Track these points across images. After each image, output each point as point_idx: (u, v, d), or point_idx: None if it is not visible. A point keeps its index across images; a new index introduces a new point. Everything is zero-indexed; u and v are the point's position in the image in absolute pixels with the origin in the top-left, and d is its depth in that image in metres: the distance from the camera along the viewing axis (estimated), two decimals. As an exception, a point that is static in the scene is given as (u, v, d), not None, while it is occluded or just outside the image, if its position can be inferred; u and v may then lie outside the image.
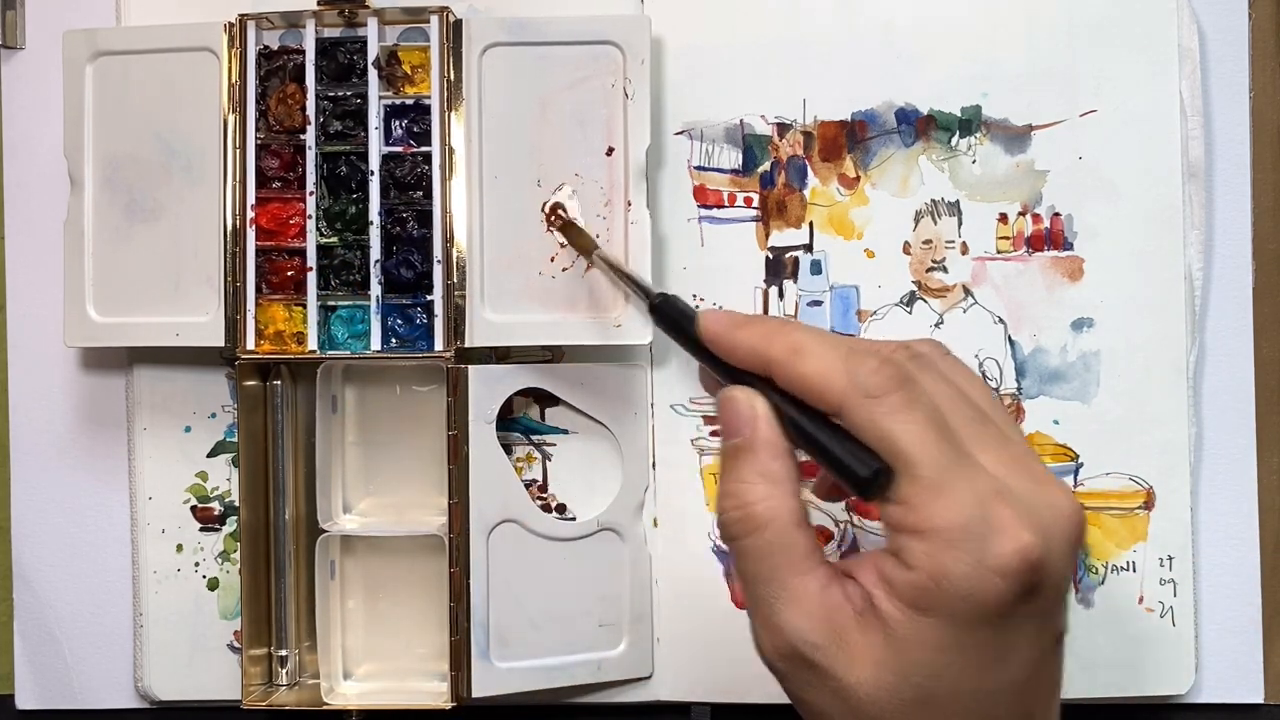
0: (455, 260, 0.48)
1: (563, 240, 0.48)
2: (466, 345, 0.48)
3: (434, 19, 0.48)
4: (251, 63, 0.49)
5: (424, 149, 0.49)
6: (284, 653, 0.50)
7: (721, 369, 0.36)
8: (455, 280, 0.48)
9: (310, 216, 0.48)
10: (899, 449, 0.32)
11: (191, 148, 0.49)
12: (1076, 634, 0.50)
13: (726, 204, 0.51)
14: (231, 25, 0.49)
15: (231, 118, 0.49)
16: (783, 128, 0.51)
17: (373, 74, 0.49)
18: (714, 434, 0.51)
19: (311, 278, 0.48)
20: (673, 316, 0.38)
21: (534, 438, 0.51)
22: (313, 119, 0.49)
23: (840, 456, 0.33)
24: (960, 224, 0.51)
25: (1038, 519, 0.32)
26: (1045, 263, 0.51)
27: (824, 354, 0.34)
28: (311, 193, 0.49)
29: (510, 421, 0.51)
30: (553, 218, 0.48)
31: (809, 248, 0.51)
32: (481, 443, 0.49)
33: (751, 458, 0.34)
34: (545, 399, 0.51)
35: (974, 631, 0.32)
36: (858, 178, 0.51)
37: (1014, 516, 0.31)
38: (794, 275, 0.51)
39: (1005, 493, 0.32)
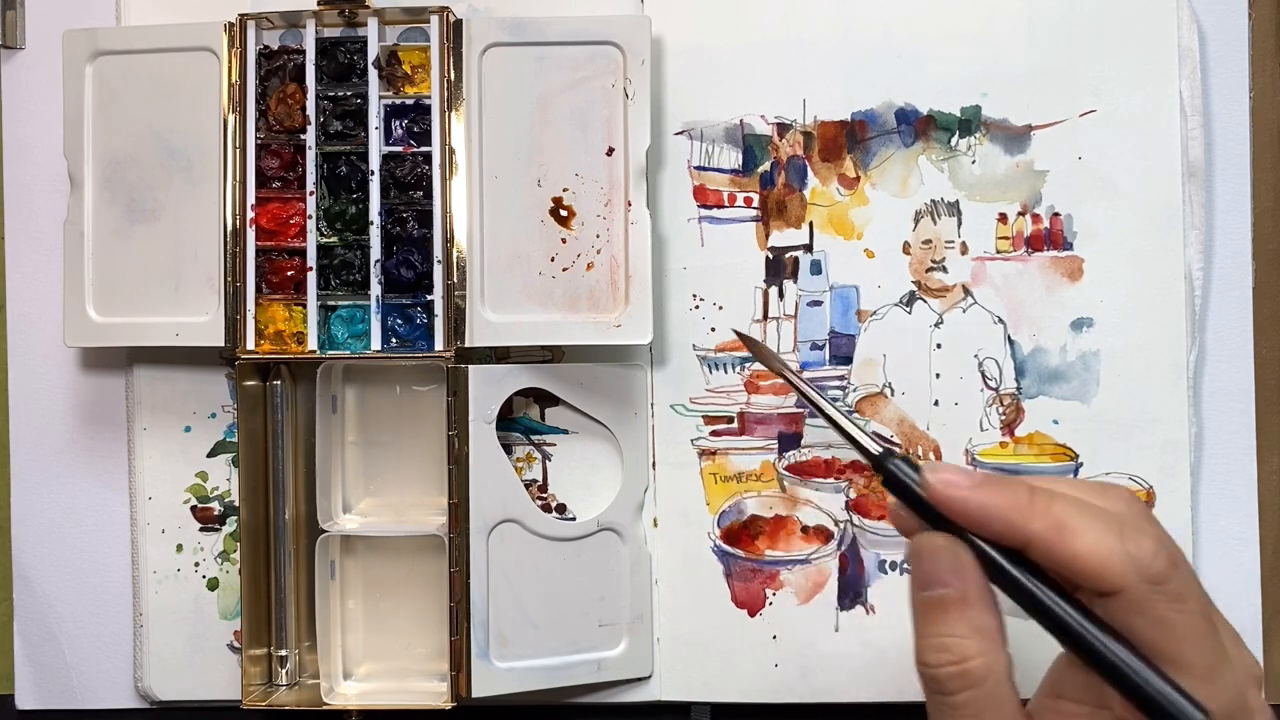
0: (455, 260, 0.48)
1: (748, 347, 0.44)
2: (466, 345, 0.48)
3: (434, 19, 0.48)
4: (251, 63, 0.49)
5: (424, 149, 0.49)
6: (284, 653, 0.50)
7: (932, 519, 0.34)
8: (455, 280, 0.48)
9: (310, 216, 0.49)
10: (1176, 639, 0.32)
11: (191, 148, 0.49)
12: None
13: (726, 204, 0.51)
14: (231, 25, 0.49)
15: (231, 118, 0.49)
16: (783, 128, 0.51)
17: (373, 74, 0.49)
18: (714, 434, 0.51)
19: (311, 278, 0.48)
20: (898, 482, 0.35)
21: (534, 438, 0.51)
22: (313, 119, 0.49)
23: (1156, 696, 0.32)
24: (960, 224, 0.51)
25: (1261, 694, 0.34)
26: (1045, 263, 0.51)
27: (1098, 532, 0.32)
28: (311, 193, 0.49)
29: (510, 421, 0.51)
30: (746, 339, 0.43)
31: (809, 248, 0.51)
32: (481, 443, 0.49)
33: (964, 611, 0.34)
34: (545, 399, 0.51)
35: None
36: (858, 178, 0.51)
37: (1261, 699, 0.34)
38: (794, 275, 0.51)
39: (1258, 677, 0.34)
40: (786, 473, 0.51)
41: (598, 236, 0.48)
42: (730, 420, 0.51)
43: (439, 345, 0.48)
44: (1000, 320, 0.51)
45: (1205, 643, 0.32)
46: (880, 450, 0.35)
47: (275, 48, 0.49)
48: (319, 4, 0.49)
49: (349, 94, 0.49)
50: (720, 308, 0.51)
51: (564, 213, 0.48)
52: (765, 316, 0.51)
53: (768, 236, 0.51)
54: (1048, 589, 0.33)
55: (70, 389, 0.53)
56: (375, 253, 0.48)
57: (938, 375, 0.51)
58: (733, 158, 0.51)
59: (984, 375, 0.51)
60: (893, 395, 0.51)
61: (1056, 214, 0.51)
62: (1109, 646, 0.32)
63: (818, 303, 0.51)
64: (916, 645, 0.34)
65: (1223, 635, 0.33)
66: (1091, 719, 0.34)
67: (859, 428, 0.36)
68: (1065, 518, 0.33)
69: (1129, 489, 0.36)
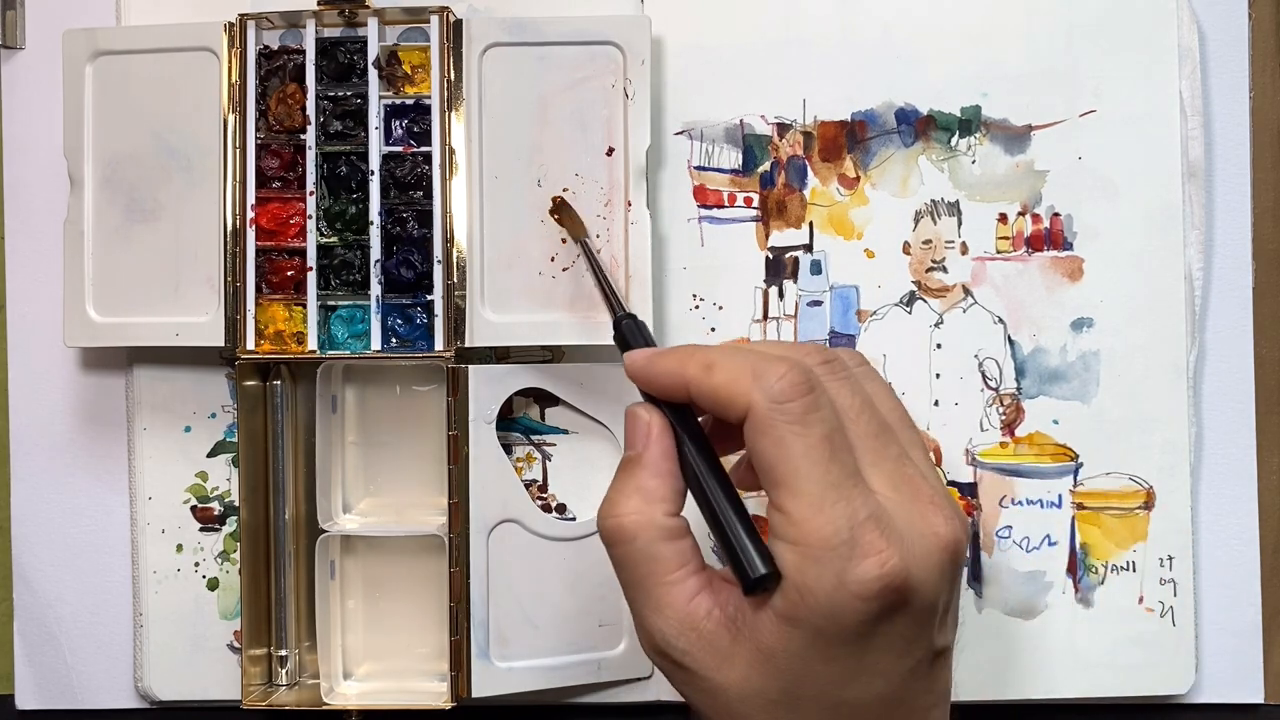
0: (455, 260, 0.48)
1: (558, 218, 0.48)
2: (466, 345, 0.48)
3: (434, 19, 0.48)
4: (251, 63, 0.49)
5: (424, 149, 0.49)
6: (284, 653, 0.50)
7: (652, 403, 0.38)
8: (455, 280, 0.48)
9: (310, 216, 0.48)
10: (790, 459, 0.33)
11: (191, 148, 0.49)
12: (1076, 634, 0.50)
13: (726, 204, 0.51)
14: (231, 25, 0.49)
15: (231, 118, 0.49)
16: (783, 128, 0.51)
17: (373, 74, 0.49)
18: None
19: (311, 278, 0.48)
20: (622, 340, 0.41)
21: (534, 438, 0.51)
22: (313, 119, 0.49)
23: (742, 542, 0.35)
24: (960, 224, 0.51)
25: (907, 544, 0.33)
26: (1045, 263, 0.51)
27: (734, 364, 0.35)
28: (311, 193, 0.49)
29: (510, 421, 0.51)
30: (555, 200, 0.48)
31: (809, 248, 0.51)
32: (481, 443, 0.49)
33: (635, 472, 0.37)
34: (545, 399, 0.51)
35: (835, 646, 0.33)
36: (858, 178, 0.51)
37: (881, 540, 0.33)
38: (794, 275, 0.51)
39: (879, 516, 0.33)
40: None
41: (598, 236, 0.48)
42: (730, 420, 0.51)
43: (439, 345, 0.48)
44: (1000, 320, 0.51)
45: (819, 469, 0.33)
46: (622, 314, 0.42)
47: (275, 48, 0.49)
48: (319, 4, 0.49)
49: (349, 94, 0.49)
50: (720, 308, 0.51)
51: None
52: (765, 316, 0.51)
53: (768, 236, 0.51)
54: (692, 442, 0.37)
55: (70, 389, 0.53)
56: (375, 253, 0.48)
57: (938, 375, 0.51)
58: (733, 158, 0.51)
59: (984, 375, 0.51)
60: (893, 395, 0.51)
61: (1056, 214, 0.51)
62: (711, 490, 0.36)
63: (818, 303, 0.51)
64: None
65: (874, 476, 0.34)
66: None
67: (612, 290, 0.44)
68: (711, 358, 0.36)
69: (853, 350, 0.38)
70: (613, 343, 0.44)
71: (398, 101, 0.49)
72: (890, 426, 0.36)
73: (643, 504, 0.36)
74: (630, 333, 0.41)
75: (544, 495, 0.51)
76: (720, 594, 0.36)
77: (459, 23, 0.49)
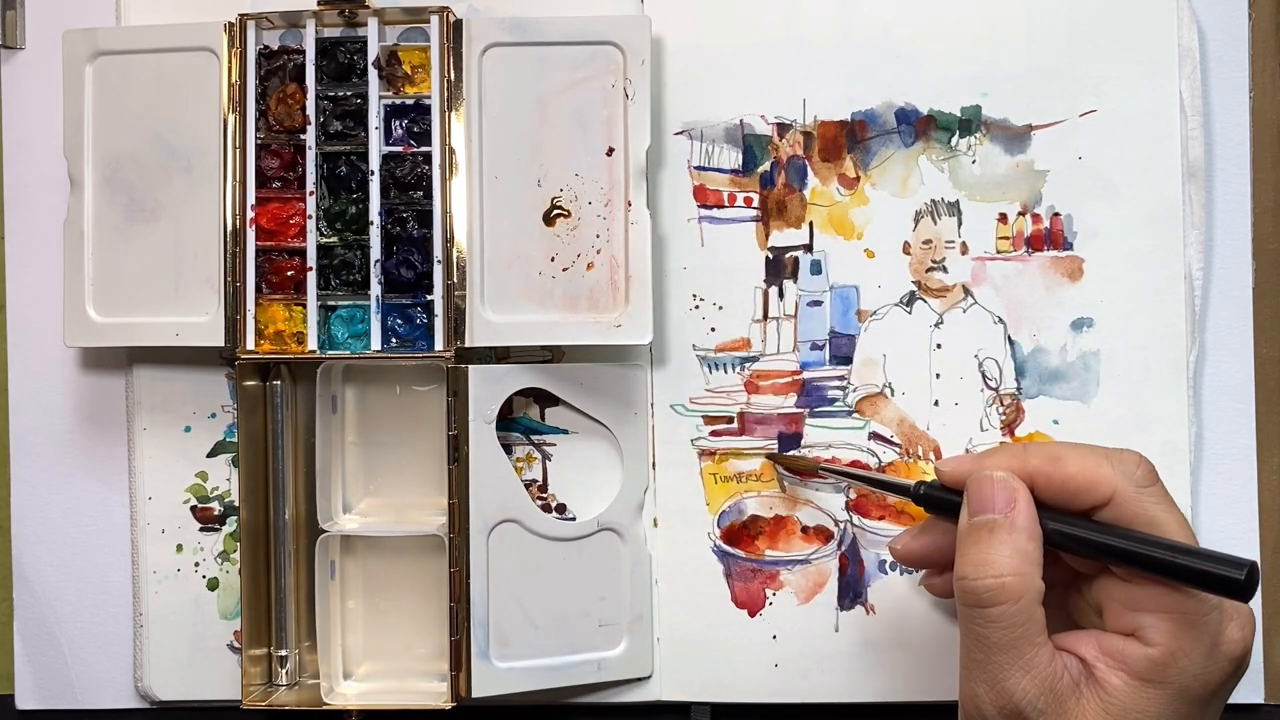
0: (455, 260, 0.48)
1: (783, 470, 0.51)
2: (466, 345, 0.48)
3: (434, 19, 0.48)
4: (251, 63, 0.49)
5: (424, 149, 0.49)
6: (284, 653, 0.50)
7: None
8: (455, 280, 0.48)
9: (310, 216, 0.48)
10: (1172, 534, 0.37)
11: (191, 148, 0.49)
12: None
13: (726, 204, 0.51)
14: (231, 25, 0.49)
15: (231, 118, 0.49)
16: (783, 128, 0.51)
17: (373, 74, 0.49)
18: (714, 434, 0.51)
19: (311, 278, 0.48)
20: (930, 500, 0.43)
21: (534, 438, 0.51)
22: (313, 119, 0.49)
23: (1198, 567, 0.36)
24: (960, 224, 0.51)
25: (1248, 608, 0.38)
26: (1045, 263, 0.51)
27: (1085, 455, 0.39)
28: (311, 193, 0.49)
29: (510, 421, 0.51)
30: (772, 458, 0.51)
31: (809, 248, 0.51)
32: (481, 443, 0.49)
33: (1010, 535, 0.38)
34: (545, 399, 0.51)
35: (1195, 704, 0.37)
36: (858, 178, 0.51)
37: (1248, 609, 0.37)
38: (794, 275, 0.51)
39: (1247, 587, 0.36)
40: (786, 473, 0.51)
41: (598, 236, 0.48)
42: (730, 420, 0.51)
43: (439, 345, 0.48)
44: (1000, 320, 0.51)
45: (1191, 537, 0.37)
46: (907, 484, 0.44)
47: (275, 48, 0.49)
48: (319, 4, 0.49)
49: (349, 94, 0.49)
50: (720, 308, 0.51)
51: (561, 212, 0.48)
52: (765, 316, 0.51)
53: (768, 236, 0.51)
54: (1066, 516, 0.39)
55: (70, 389, 0.53)
56: (375, 253, 0.48)
57: (938, 375, 0.51)
58: (733, 158, 0.51)
59: (984, 375, 0.51)
60: (893, 395, 0.51)
61: (1056, 214, 0.51)
62: (1142, 542, 0.37)
63: (818, 303, 0.51)
64: (959, 564, 0.38)
65: None
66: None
67: (889, 479, 0.47)
68: (1056, 450, 0.39)
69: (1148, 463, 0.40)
70: (613, 344, 0.45)
71: (398, 101, 0.49)
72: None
73: (1024, 565, 0.37)
74: (932, 487, 0.43)
75: (544, 495, 0.51)
76: (1064, 657, 0.38)
77: (459, 23, 0.49)
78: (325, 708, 0.48)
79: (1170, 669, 0.36)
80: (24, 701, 0.53)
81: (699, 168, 0.51)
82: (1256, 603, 0.50)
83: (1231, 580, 0.35)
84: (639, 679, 0.51)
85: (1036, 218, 0.51)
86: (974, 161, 0.51)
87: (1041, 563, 0.38)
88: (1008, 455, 0.40)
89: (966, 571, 0.38)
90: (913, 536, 0.45)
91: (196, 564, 0.52)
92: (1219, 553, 0.36)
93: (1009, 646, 0.37)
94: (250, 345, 0.48)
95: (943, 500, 0.42)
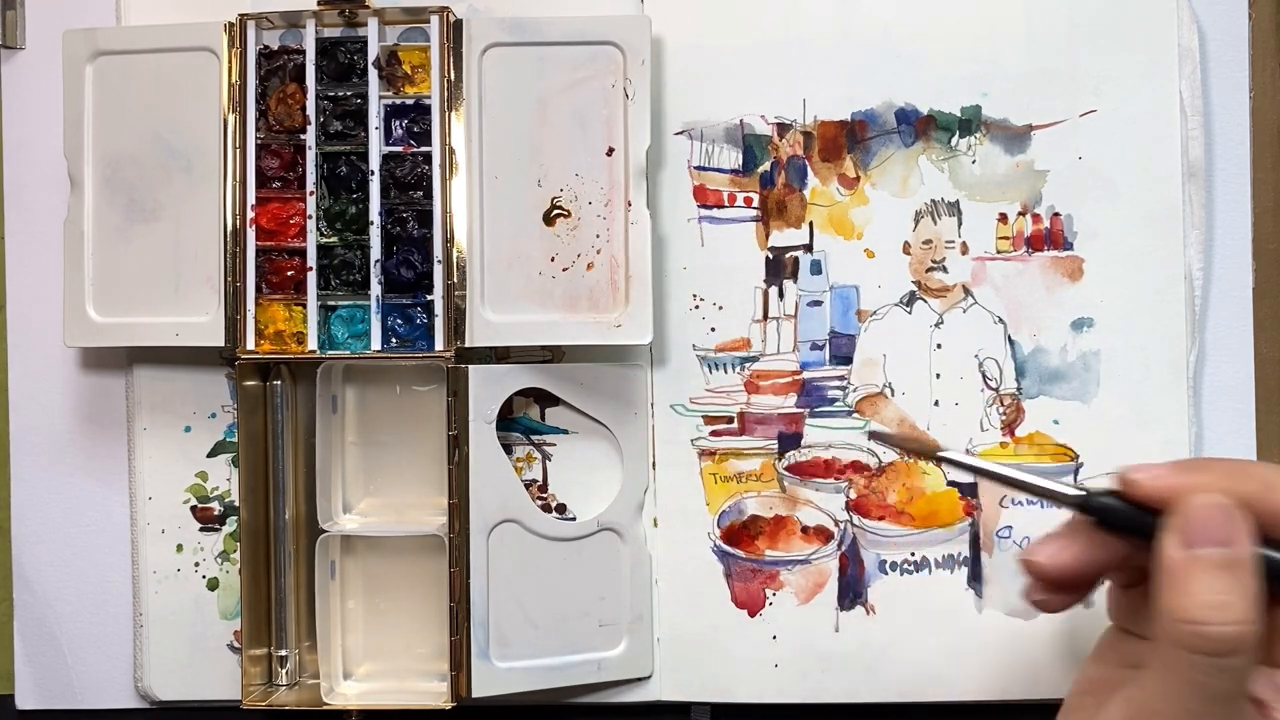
0: (455, 260, 0.48)
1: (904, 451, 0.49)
2: (466, 345, 0.48)
3: (434, 19, 0.48)
4: (251, 63, 0.49)
5: (424, 149, 0.49)
6: (284, 653, 0.50)
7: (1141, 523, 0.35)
8: (455, 280, 0.48)
9: (310, 216, 0.48)
10: None
11: (191, 148, 0.49)
12: (1076, 634, 0.50)
13: (726, 204, 0.51)
14: (231, 25, 0.49)
15: (231, 118, 0.49)
16: (783, 128, 0.51)
17: (373, 74, 0.49)
18: (714, 434, 0.51)
19: (311, 278, 0.48)
20: (1102, 509, 0.37)
21: (534, 438, 0.51)
22: (313, 119, 0.49)
23: None
24: (960, 224, 0.51)
25: None
26: (1045, 263, 0.51)
27: None
28: (311, 193, 0.49)
29: (510, 421, 0.51)
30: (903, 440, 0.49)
31: (809, 248, 0.51)
32: (481, 443, 0.49)
33: (1244, 575, 0.33)
34: (545, 399, 0.51)
35: None
36: (858, 178, 0.51)
37: None
38: (794, 275, 0.51)
39: None
40: (786, 473, 0.51)
41: (598, 236, 0.48)
42: (730, 420, 0.51)
43: (439, 345, 0.48)
44: (1000, 320, 0.51)
45: None
46: (1077, 493, 0.37)
47: (275, 48, 0.49)
48: (319, 4, 0.49)
49: (349, 94, 0.49)
50: (720, 308, 0.51)
51: (561, 212, 0.48)
52: (765, 316, 0.51)
53: (768, 236, 0.51)
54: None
55: (70, 389, 0.53)
56: (375, 253, 0.48)
57: (938, 375, 0.51)
58: (733, 158, 0.51)
59: (984, 375, 0.51)
60: (893, 395, 0.51)
61: (1056, 214, 0.51)
62: None
63: (818, 303, 0.51)
64: (1180, 603, 0.33)
65: None
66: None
67: (1047, 483, 0.38)
68: (1268, 475, 0.34)
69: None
70: (612, 344, 0.45)
71: (398, 101, 0.49)
72: None
73: (1257, 614, 0.33)
74: (1106, 495, 0.37)
75: (544, 495, 0.51)
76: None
77: (459, 23, 0.49)
78: (325, 708, 0.48)
79: None
80: (24, 701, 0.53)
81: (699, 168, 0.51)
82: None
83: None
84: (639, 679, 0.51)
85: (1036, 218, 0.51)
86: (974, 161, 0.51)
87: (1261, 597, 0.34)
88: (1220, 475, 0.35)
89: (1200, 615, 0.33)
90: (1060, 548, 0.37)
91: (196, 564, 0.52)
92: None
93: (1233, 698, 0.33)
94: (250, 345, 0.48)
95: (1128, 516, 0.36)
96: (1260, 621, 0.33)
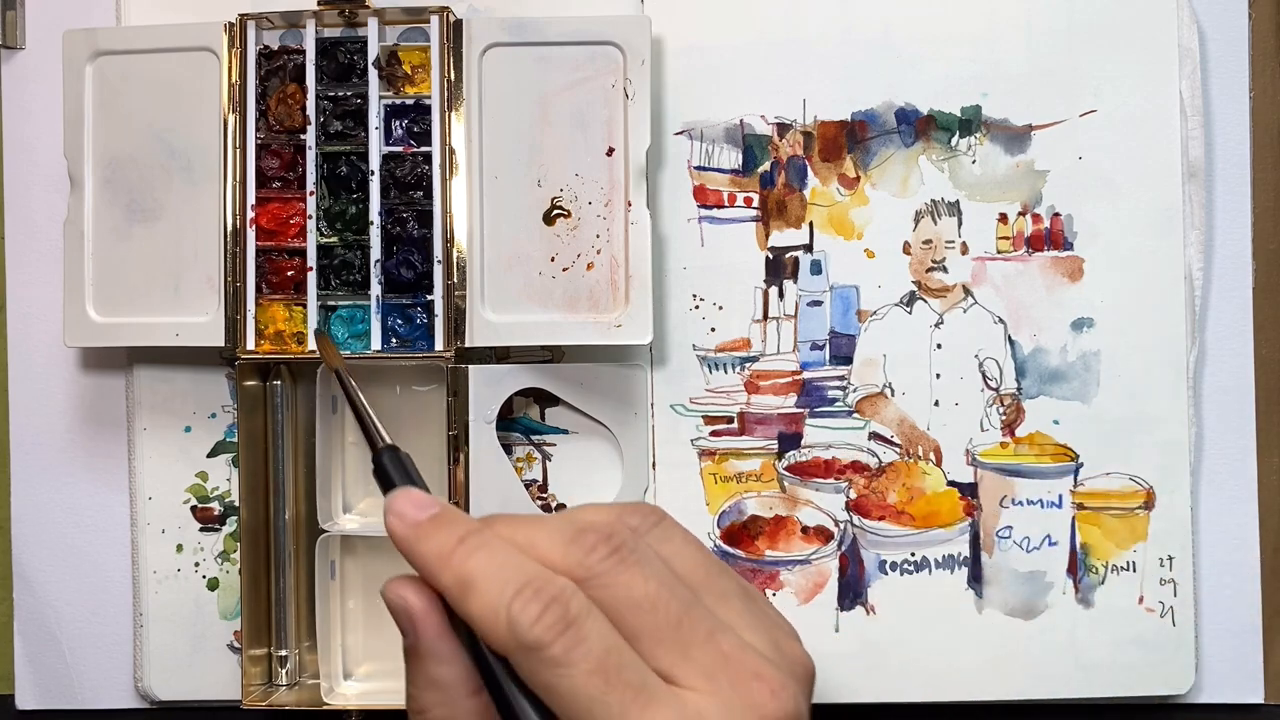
0: (455, 260, 0.48)
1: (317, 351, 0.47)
2: (466, 345, 0.48)
3: (434, 19, 0.48)
4: (251, 63, 0.49)
5: (424, 149, 0.49)
6: (284, 653, 0.50)
7: None
8: (455, 280, 0.48)
9: (310, 216, 0.48)
10: (563, 705, 0.30)
11: (191, 148, 0.49)
12: (1076, 634, 0.50)
13: (726, 204, 0.51)
14: (231, 25, 0.49)
15: (231, 118, 0.49)
16: (783, 128, 0.51)
17: (373, 74, 0.49)
18: (714, 434, 0.51)
19: (311, 278, 0.48)
20: (384, 478, 0.35)
21: (534, 438, 0.51)
22: (313, 119, 0.49)
23: (514, 713, 0.31)
24: (960, 224, 0.51)
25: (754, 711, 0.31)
26: (1045, 263, 0.51)
27: (490, 593, 0.31)
28: (311, 193, 0.49)
29: (510, 421, 0.51)
30: (317, 334, 0.47)
31: (809, 248, 0.51)
32: (481, 443, 0.49)
33: (419, 663, 0.33)
34: (545, 399, 0.51)
35: None
36: (858, 178, 0.51)
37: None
38: (794, 275, 0.51)
39: (701, 715, 0.30)
40: (786, 473, 0.51)
41: (598, 236, 0.48)
42: (730, 420, 0.51)
43: (439, 345, 0.48)
44: (1000, 320, 0.51)
45: (598, 706, 0.30)
46: (383, 446, 0.35)
47: (275, 48, 0.49)
48: (319, 4, 0.49)
49: (349, 94, 0.49)
50: (720, 308, 0.51)
51: (561, 212, 0.48)
52: (765, 316, 0.51)
53: (768, 236, 0.51)
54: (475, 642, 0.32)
55: (70, 389, 0.53)
56: (375, 253, 0.48)
57: (938, 375, 0.51)
58: (733, 158, 0.51)
59: (984, 375, 0.51)
60: (893, 395, 0.51)
61: (1057, 214, 0.51)
62: (486, 658, 0.31)
63: (818, 303, 0.51)
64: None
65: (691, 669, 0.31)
66: None
67: (372, 419, 0.37)
68: (474, 574, 0.31)
69: (644, 506, 0.34)
70: (612, 344, 0.44)
71: (398, 101, 0.49)
72: (694, 600, 0.32)
73: (440, 696, 0.32)
74: (394, 468, 0.35)
75: (544, 495, 0.51)
76: None
77: (459, 23, 0.49)
78: (325, 708, 0.48)
79: None
80: (24, 701, 0.53)
81: (699, 168, 0.51)
82: (1255, 603, 0.51)
83: None
84: (639, 679, 0.51)
85: (1037, 218, 0.51)
86: (974, 161, 0.51)
87: (467, 677, 0.32)
88: (435, 548, 0.33)
89: (407, 703, 0.33)
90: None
91: (196, 564, 0.52)
92: (540, 710, 0.31)
93: None
94: (250, 345, 0.48)
95: (384, 479, 0.35)
96: (447, 707, 0.32)
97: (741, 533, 0.51)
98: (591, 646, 0.30)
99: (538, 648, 0.30)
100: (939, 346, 0.51)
